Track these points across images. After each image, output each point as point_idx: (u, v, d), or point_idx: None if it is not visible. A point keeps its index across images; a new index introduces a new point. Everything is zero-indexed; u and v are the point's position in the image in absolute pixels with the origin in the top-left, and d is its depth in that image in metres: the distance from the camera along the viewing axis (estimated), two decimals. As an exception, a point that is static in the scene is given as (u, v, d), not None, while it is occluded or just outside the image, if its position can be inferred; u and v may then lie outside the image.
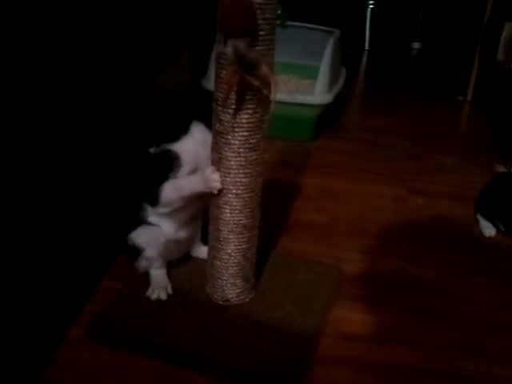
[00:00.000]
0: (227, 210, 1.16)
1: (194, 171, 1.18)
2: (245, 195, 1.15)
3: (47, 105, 1.20)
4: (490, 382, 1.13)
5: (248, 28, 0.95)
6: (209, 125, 1.16)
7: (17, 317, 1.11)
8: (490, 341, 1.24)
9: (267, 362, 1.08)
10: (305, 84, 2.44)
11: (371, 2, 4.04)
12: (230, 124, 1.08)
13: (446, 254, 1.56)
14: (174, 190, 1.18)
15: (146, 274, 1.29)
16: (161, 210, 1.21)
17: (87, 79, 1.35)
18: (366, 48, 4.10)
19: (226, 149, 1.10)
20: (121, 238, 1.27)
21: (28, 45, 1.11)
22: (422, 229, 1.70)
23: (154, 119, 1.27)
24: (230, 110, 1.06)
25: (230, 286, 1.22)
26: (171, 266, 1.32)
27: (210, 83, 2.17)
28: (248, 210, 1.16)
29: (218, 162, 1.13)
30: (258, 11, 0.98)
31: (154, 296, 1.24)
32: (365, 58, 3.99)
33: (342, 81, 2.51)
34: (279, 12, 2.40)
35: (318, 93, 2.23)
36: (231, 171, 1.12)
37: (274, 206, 1.61)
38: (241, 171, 1.12)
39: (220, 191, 1.14)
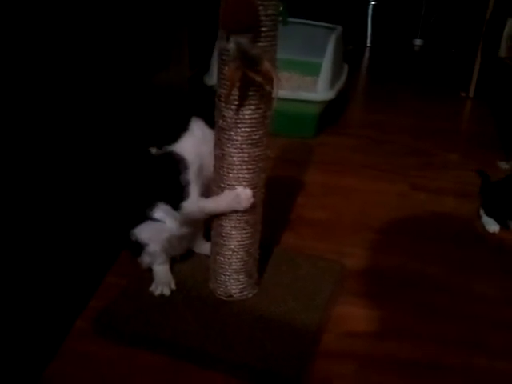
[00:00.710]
0: (230, 206, 1.16)
1: (200, 169, 1.19)
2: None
3: (51, 99, 1.21)
4: (493, 377, 1.14)
5: (250, 24, 0.95)
6: (210, 121, 1.15)
7: (22, 312, 1.11)
8: (493, 336, 1.24)
9: (270, 356, 1.08)
10: (307, 81, 2.44)
11: (373, -2, 4.05)
12: (233, 120, 1.08)
13: (448, 250, 1.57)
14: (199, 210, 1.19)
15: (149, 270, 1.29)
16: (181, 220, 1.23)
17: (90, 76, 1.35)
18: (368, 45, 4.10)
19: (228, 145, 1.11)
20: (124, 234, 1.28)
21: (29, 42, 1.11)
22: (425, 225, 1.70)
23: (154, 118, 1.28)
24: (233, 106, 1.06)
25: (233, 282, 1.23)
26: (174, 261, 1.33)
27: (212, 80, 2.17)
28: (251, 206, 1.16)
29: (220, 157, 1.13)
30: (261, 7, 0.98)
31: (157, 292, 1.25)
32: (367, 55, 3.99)
33: (344, 77, 2.51)
34: (281, 9, 2.40)
35: (321, 89, 2.24)
36: (234, 167, 1.12)
37: (277, 202, 1.61)
38: (244, 167, 1.12)
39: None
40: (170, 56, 1.88)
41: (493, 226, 1.67)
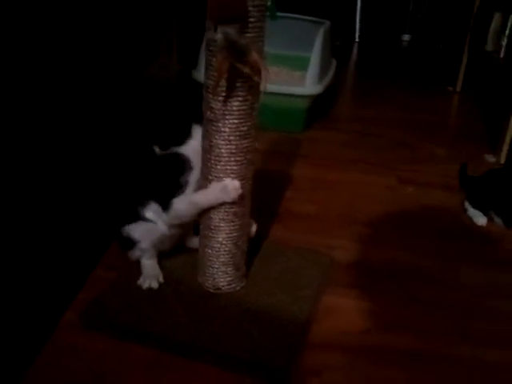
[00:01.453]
0: (218, 198, 1.16)
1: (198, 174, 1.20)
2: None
3: (39, 93, 1.19)
4: (481, 364, 1.15)
5: (238, 15, 0.95)
6: (198, 115, 1.16)
7: (10, 304, 1.10)
8: (480, 325, 1.25)
9: (259, 348, 1.08)
10: (295, 76, 2.44)
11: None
12: (221, 111, 1.08)
13: (436, 242, 1.58)
14: (189, 205, 1.19)
15: (138, 262, 1.29)
16: (170, 221, 1.22)
17: (77, 71, 1.34)
18: (356, 40, 4.11)
19: (216, 136, 1.10)
20: (114, 227, 1.27)
21: (17, 35, 1.10)
22: (413, 217, 1.71)
23: (155, 119, 1.28)
24: (221, 98, 1.06)
25: (221, 275, 1.23)
26: (163, 255, 1.32)
27: (200, 75, 2.17)
28: (239, 198, 1.16)
29: (208, 149, 1.13)
30: (248, -2, 0.98)
31: (145, 285, 1.24)
32: (355, 50, 3.99)
33: (332, 72, 2.51)
34: (269, 3, 2.40)
35: (309, 83, 2.24)
36: (222, 159, 1.12)
37: (266, 196, 1.62)
38: (231, 159, 1.12)
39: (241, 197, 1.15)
40: (158, 50, 1.88)
41: (480, 219, 1.68)
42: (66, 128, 1.30)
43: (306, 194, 1.81)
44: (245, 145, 1.12)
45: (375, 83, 3.20)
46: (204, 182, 1.17)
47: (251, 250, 1.29)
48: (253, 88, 1.07)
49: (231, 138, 1.10)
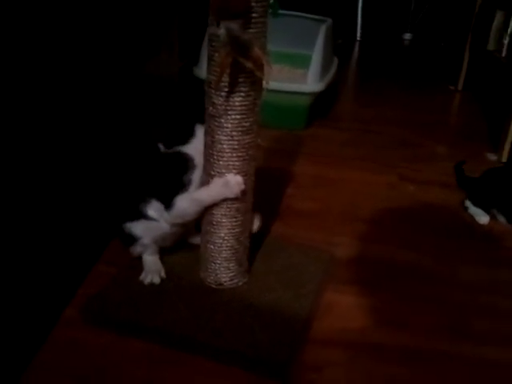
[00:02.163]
0: (220, 194, 1.16)
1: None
2: (238, 179, 1.15)
3: (43, 90, 1.20)
4: (480, 363, 1.15)
5: (241, 10, 0.95)
6: (200, 112, 1.16)
7: (10, 299, 1.10)
8: (480, 323, 1.25)
9: (260, 343, 1.09)
10: (297, 73, 2.44)
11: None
12: (223, 107, 1.08)
13: (436, 240, 1.58)
14: (192, 202, 1.18)
15: (139, 258, 1.29)
16: (173, 220, 1.22)
17: (78, 68, 1.34)
18: (358, 39, 4.11)
19: (218, 132, 1.11)
20: (115, 224, 1.28)
21: (19, 34, 1.10)
22: (414, 215, 1.71)
23: (163, 119, 1.28)
24: (223, 93, 1.06)
25: (223, 270, 1.23)
26: (164, 250, 1.33)
27: (201, 71, 2.17)
28: (241, 194, 1.16)
29: (210, 145, 1.13)
30: (251, -7, 0.98)
31: (147, 280, 1.25)
32: (356, 49, 3.99)
33: (334, 70, 2.51)
34: (271, 1, 2.40)
35: (311, 81, 2.24)
36: (224, 154, 1.12)
37: (267, 193, 1.62)
38: (234, 155, 1.12)
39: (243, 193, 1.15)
40: (159, 46, 1.88)
41: (483, 218, 1.68)
42: (69, 124, 1.30)
43: (307, 192, 1.81)
44: (247, 140, 1.12)
45: (376, 82, 3.20)
46: (206, 178, 1.17)
47: (253, 246, 1.30)
48: (255, 83, 1.07)
49: (233, 133, 1.10)
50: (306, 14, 2.55)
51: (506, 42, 2.46)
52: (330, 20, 2.44)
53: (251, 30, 1.00)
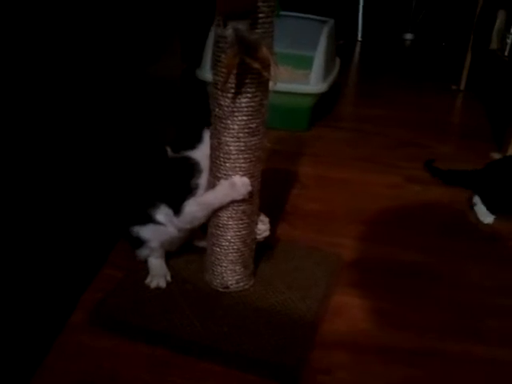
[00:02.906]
0: (226, 196, 1.15)
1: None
2: (244, 181, 1.14)
3: (44, 88, 1.19)
4: (490, 364, 1.14)
5: (248, 9, 0.94)
6: (204, 114, 1.15)
7: (17, 304, 1.10)
8: (489, 324, 1.24)
9: (268, 347, 1.08)
10: (300, 74, 2.42)
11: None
12: (230, 108, 1.07)
13: (443, 240, 1.57)
14: (200, 206, 1.17)
15: (146, 262, 1.28)
16: (182, 225, 1.21)
17: (81, 70, 1.33)
18: (359, 39, 4.10)
19: (225, 134, 1.10)
20: (123, 227, 1.27)
21: (18, 35, 1.10)
22: (419, 216, 1.70)
23: (171, 124, 1.27)
24: (230, 94, 1.05)
25: (229, 273, 1.22)
26: (170, 254, 1.32)
27: (204, 73, 2.16)
28: (247, 196, 1.15)
29: (217, 147, 1.12)
30: (258, -7, 0.97)
31: (153, 284, 1.24)
32: (358, 49, 3.98)
33: (336, 70, 2.50)
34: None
35: (313, 82, 2.23)
36: (231, 156, 1.11)
37: (271, 194, 1.60)
38: (240, 156, 1.11)
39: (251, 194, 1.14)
40: (162, 49, 1.87)
41: (488, 218, 1.67)
42: (76, 128, 1.29)
43: (311, 192, 1.80)
44: (254, 142, 1.11)
45: (378, 82, 3.19)
46: (213, 181, 1.16)
47: (258, 248, 1.28)
48: (262, 84, 1.06)
49: (240, 135, 1.09)
50: (307, 15, 2.54)
51: (508, 41, 2.45)
52: (331, 20, 2.43)
53: (258, 30, 0.99)
